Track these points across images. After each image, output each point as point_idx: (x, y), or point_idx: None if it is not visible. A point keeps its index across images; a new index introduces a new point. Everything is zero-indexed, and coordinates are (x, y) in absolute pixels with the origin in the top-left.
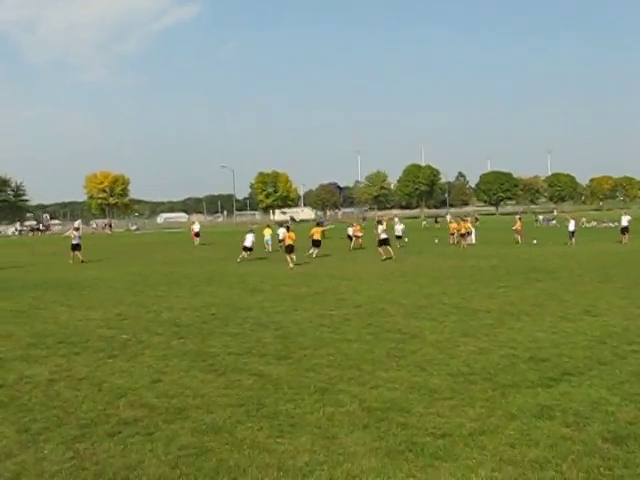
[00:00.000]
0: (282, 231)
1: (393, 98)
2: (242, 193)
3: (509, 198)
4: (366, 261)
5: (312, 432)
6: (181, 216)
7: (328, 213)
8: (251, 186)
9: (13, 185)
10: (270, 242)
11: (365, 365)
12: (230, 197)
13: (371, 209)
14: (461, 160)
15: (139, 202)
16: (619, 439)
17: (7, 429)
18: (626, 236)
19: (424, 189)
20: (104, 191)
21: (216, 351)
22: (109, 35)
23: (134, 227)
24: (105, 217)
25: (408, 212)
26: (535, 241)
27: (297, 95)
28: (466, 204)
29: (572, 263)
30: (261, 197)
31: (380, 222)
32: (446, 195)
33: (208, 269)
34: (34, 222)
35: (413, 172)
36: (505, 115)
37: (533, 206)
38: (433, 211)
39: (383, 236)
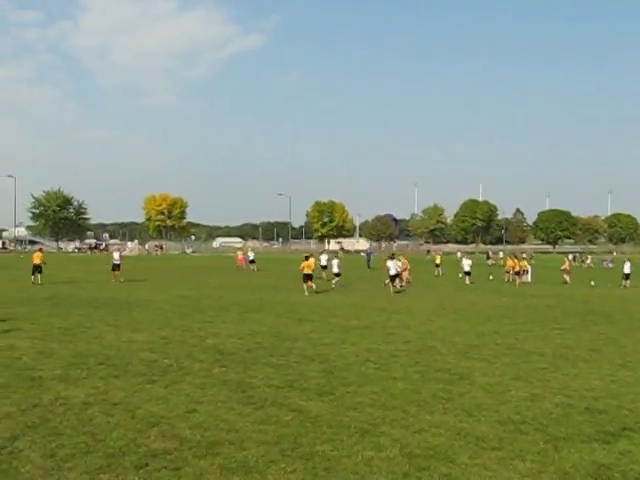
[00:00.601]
0: (335, 262)
1: (452, 131)
2: (298, 221)
3: (567, 237)
4: (417, 296)
5: (348, 478)
6: (237, 241)
7: (383, 245)
8: (307, 215)
9: (75, 204)
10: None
11: (410, 406)
12: (286, 225)
13: (427, 242)
14: (519, 197)
15: (196, 225)
16: None
17: (33, 453)
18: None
19: (481, 225)
20: (162, 213)
21: (257, 382)
22: (175, 62)
23: (190, 250)
24: (162, 239)
25: (463, 247)
26: (593, 282)
27: (356, 126)
28: (523, 242)
29: (631, 307)
30: (317, 226)
31: (392, 257)
32: (503, 232)
33: (258, 296)
34: (94, 240)
35: (470, 207)
36: (565, 153)
37: (591, 246)
38: (481, 247)
39: (392, 272)
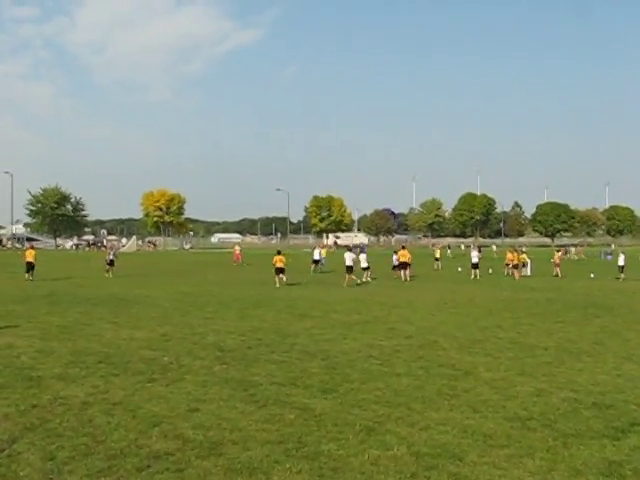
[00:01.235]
0: (349, 256)
1: (450, 125)
2: (296, 216)
3: (565, 230)
4: (418, 290)
5: (355, 478)
6: (235, 237)
7: (382, 239)
8: (306, 210)
9: (73, 200)
10: (324, 262)
11: (415, 403)
12: (284, 220)
13: (425, 236)
14: (517, 190)
15: (195, 221)
16: None
17: (33, 455)
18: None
19: (479, 218)
20: (160, 209)
21: (259, 380)
22: (173, 57)
23: (188, 246)
24: (160, 235)
25: (462, 241)
26: (592, 275)
27: (354, 120)
28: (521, 235)
29: (633, 299)
30: (315, 221)
31: (350, 249)
32: (501, 225)
33: (258, 291)
34: (91, 237)
35: (468, 201)
36: (563, 145)
37: (590, 239)
38: (480, 240)
39: (348, 263)
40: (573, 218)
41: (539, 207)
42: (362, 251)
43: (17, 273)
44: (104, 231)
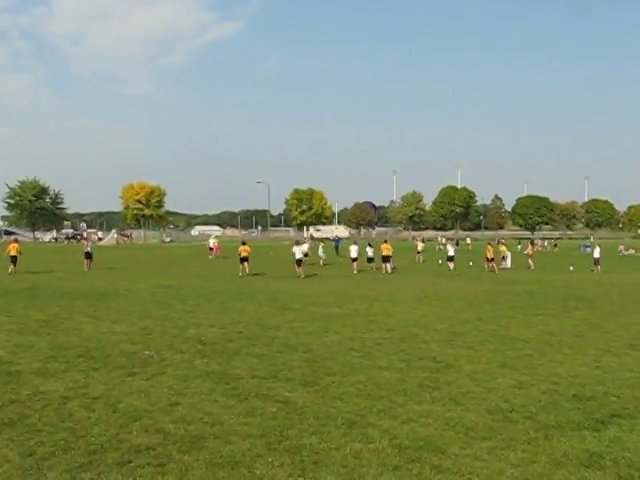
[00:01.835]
0: (354, 248)
1: (430, 119)
2: (277, 209)
3: (545, 223)
4: (399, 282)
5: (337, 472)
6: (215, 229)
7: (363, 231)
8: (286, 202)
9: (51, 193)
10: (324, 257)
11: (396, 396)
12: (265, 212)
13: (405, 229)
14: (498, 183)
15: (175, 214)
16: None
17: (11, 452)
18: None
19: (459, 211)
20: (140, 202)
21: (240, 373)
22: (152, 49)
23: (168, 239)
24: (140, 228)
25: (443, 233)
26: (572, 268)
27: (335, 113)
28: (501, 227)
29: (612, 292)
30: (295, 214)
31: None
32: (481, 218)
33: (238, 284)
34: (71, 230)
35: (449, 194)
36: (543, 139)
37: (569, 232)
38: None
39: (353, 255)
40: (553, 211)
41: (519, 200)
42: (336, 243)
43: None
44: (83, 224)
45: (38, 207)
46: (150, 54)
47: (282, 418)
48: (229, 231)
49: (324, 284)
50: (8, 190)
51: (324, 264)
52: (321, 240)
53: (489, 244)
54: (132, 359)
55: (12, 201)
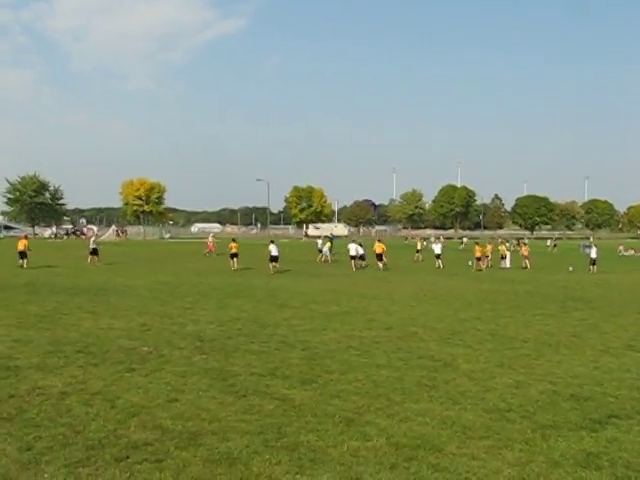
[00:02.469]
0: (353, 246)
1: (430, 118)
2: (277, 206)
3: (545, 223)
4: (398, 281)
5: (334, 469)
6: (215, 226)
7: (362, 230)
8: (286, 200)
9: (51, 189)
10: (328, 254)
11: (394, 394)
12: (265, 210)
13: (405, 228)
14: (497, 183)
15: (174, 211)
16: None
17: (9, 446)
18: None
19: (459, 210)
20: (140, 198)
21: (238, 370)
22: (154, 45)
23: (168, 235)
24: (140, 224)
25: (442, 232)
26: (571, 268)
27: (335, 111)
28: (501, 227)
29: (611, 292)
30: (295, 211)
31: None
32: (481, 217)
33: (237, 281)
34: (70, 226)
35: (449, 193)
36: (543, 139)
37: (569, 232)
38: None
39: (352, 253)
40: (552, 211)
41: (519, 200)
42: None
43: None
44: (83, 220)
45: (38, 202)
46: (151, 50)
47: (280, 415)
48: (229, 228)
49: (323, 282)
50: (8, 185)
51: (324, 261)
52: (328, 238)
53: (476, 243)
54: (131, 355)
55: (12, 196)
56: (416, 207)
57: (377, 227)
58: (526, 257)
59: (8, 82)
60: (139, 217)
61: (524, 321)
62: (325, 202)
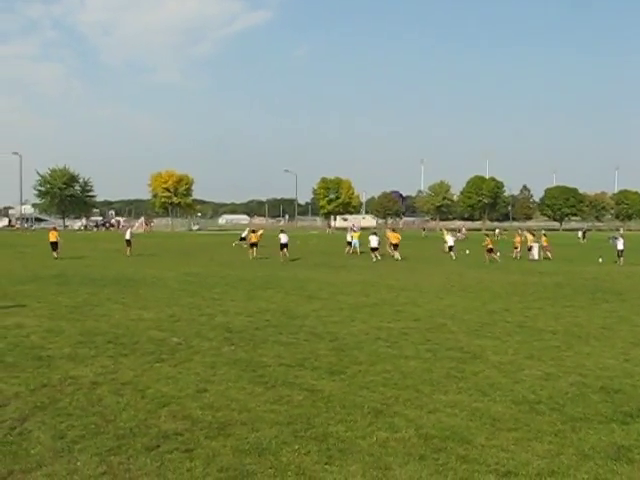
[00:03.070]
0: (374, 238)
1: (458, 108)
2: (304, 198)
3: (574, 214)
4: (426, 272)
5: (363, 460)
6: (243, 218)
7: (389, 221)
8: (313, 191)
9: (81, 181)
10: (357, 246)
11: (423, 386)
12: (292, 201)
13: (433, 219)
14: (526, 173)
15: (202, 202)
16: None
17: (43, 434)
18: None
19: (487, 201)
20: (168, 190)
21: (267, 361)
22: (181, 38)
23: (196, 227)
24: (168, 216)
25: (470, 224)
26: (601, 260)
27: (363, 102)
28: (529, 218)
29: None
30: (323, 203)
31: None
32: (509, 208)
33: (266, 273)
34: (100, 218)
35: (477, 184)
36: (572, 129)
37: (598, 223)
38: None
39: (373, 245)
40: (582, 202)
41: (547, 191)
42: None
43: (27, 253)
44: (112, 212)
45: (68, 195)
46: (179, 43)
47: (308, 406)
48: (256, 220)
49: (351, 273)
50: (39, 178)
51: (352, 253)
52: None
53: (486, 235)
54: (160, 346)
55: (43, 189)
56: (444, 198)
57: (405, 218)
58: (546, 248)
59: (39, 76)
60: (167, 209)
61: (553, 313)
62: (353, 194)
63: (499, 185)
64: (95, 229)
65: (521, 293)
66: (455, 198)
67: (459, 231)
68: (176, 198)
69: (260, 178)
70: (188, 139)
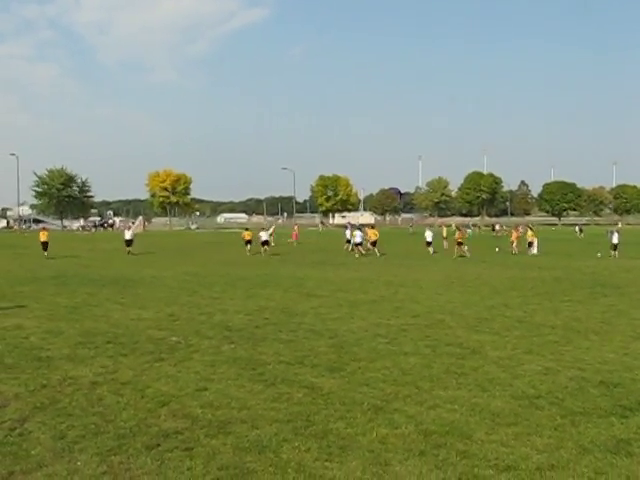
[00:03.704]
0: (358, 233)
1: (456, 104)
2: (302, 196)
3: (572, 209)
4: (424, 269)
5: (363, 456)
6: (241, 217)
7: (388, 218)
8: (311, 189)
9: (79, 182)
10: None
11: (422, 382)
12: (290, 199)
13: (431, 215)
14: (524, 169)
15: (201, 201)
16: None
17: (43, 435)
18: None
19: (485, 197)
20: (166, 189)
21: (267, 359)
22: (177, 37)
23: (194, 226)
24: (167, 215)
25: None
26: (599, 254)
27: (360, 99)
28: (528, 214)
29: None
30: (321, 200)
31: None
32: (507, 204)
33: (264, 271)
34: (98, 218)
35: (475, 180)
36: (570, 124)
37: (597, 218)
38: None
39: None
40: (580, 197)
41: (546, 186)
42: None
43: (25, 254)
44: (110, 212)
45: (66, 195)
46: (175, 42)
47: (308, 403)
48: (255, 218)
49: (349, 270)
50: (36, 179)
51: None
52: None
53: (458, 228)
54: (160, 345)
55: (40, 189)
56: (442, 194)
57: (403, 215)
58: (530, 242)
59: (35, 76)
60: (166, 208)
61: (552, 307)
62: (351, 191)
63: (497, 180)
64: (94, 229)
65: (520, 288)
66: (453, 194)
67: (470, 227)
68: (174, 197)
69: (258, 176)
70: (185, 138)
